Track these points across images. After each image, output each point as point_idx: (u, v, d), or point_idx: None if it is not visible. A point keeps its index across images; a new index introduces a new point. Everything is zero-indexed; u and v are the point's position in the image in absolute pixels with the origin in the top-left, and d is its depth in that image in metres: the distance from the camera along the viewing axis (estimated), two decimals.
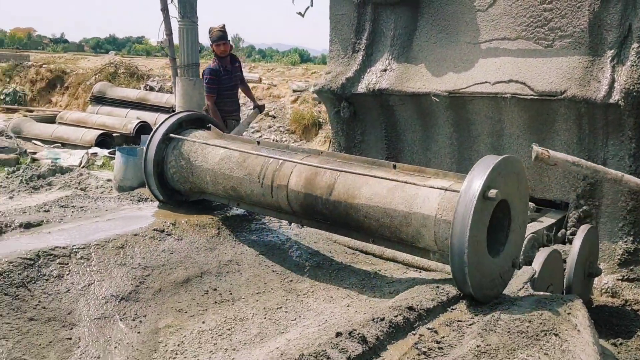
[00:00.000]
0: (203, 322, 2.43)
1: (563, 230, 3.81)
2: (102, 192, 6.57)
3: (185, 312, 2.50)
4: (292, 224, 3.55)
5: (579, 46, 3.86)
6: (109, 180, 7.04)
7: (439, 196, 2.30)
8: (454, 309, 2.25)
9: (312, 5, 5.30)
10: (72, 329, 2.25)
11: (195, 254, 2.90)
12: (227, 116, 5.74)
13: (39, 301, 2.32)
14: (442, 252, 2.29)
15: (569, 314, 2.15)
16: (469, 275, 2.12)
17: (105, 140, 10.07)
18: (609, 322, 3.50)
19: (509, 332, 1.95)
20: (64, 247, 2.58)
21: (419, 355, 1.85)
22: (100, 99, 12.25)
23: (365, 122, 5.03)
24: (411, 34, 4.81)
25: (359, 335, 1.85)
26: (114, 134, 10.33)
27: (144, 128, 10.64)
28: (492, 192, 2.09)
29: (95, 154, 8.87)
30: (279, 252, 3.16)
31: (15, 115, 13.68)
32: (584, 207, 3.92)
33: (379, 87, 4.73)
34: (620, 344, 3.28)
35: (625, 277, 3.80)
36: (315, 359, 1.70)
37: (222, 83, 5.56)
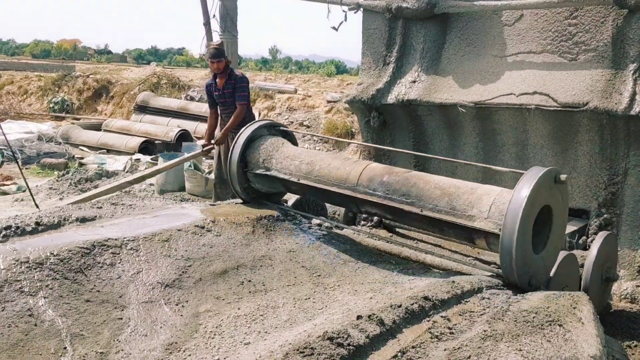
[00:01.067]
0: (238, 309, 2.68)
1: (584, 238, 3.92)
2: (145, 195, 6.97)
3: (223, 300, 2.75)
4: (324, 224, 3.86)
5: (602, 60, 3.99)
6: (151, 184, 7.44)
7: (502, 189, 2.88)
8: (467, 302, 2.44)
9: (345, 20, 5.55)
10: (123, 310, 2.53)
11: (232, 249, 3.16)
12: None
13: (94, 285, 2.62)
14: (492, 219, 2.67)
15: (574, 307, 2.31)
16: (515, 246, 2.53)
17: (148, 147, 10.55)
18: (627, 326, 3.59)
19: (515, 320, 2.13)
20: (116, 239, 2.89)
21: (431, 338, 2.05)
22: (143, 108, 12.81)
23: (395, 132, 5.24)
24: (440, 47, 5.00)
25: (378, 318, 2.07)
26: (156, 141, 10.81)
27: (184, 136, 11.12)
28: (563, 176, 2.65)
29: (138, 159, 9.33)
30: (308, 250, 3.40)
31: (63, 122, 14.44)
32: (605, 215, 4.02)
33: (407, 97, 4.94)
34: (635, 346, 3.37)
35: None
36: (337, 337, 1.92)
37: (216, 98, 5.63)
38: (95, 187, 7.20)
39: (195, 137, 11.50)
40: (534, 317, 2.16)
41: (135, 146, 10.35)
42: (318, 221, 4.14)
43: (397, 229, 4.37)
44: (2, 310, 2.31)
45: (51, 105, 16.22)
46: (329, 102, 12.16)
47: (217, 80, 5.53)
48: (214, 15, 6.74)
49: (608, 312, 3.45)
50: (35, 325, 2.31)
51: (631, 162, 3.90)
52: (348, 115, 11.19)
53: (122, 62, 31.94)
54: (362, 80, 5.46)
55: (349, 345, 1.90)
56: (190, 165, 6.60)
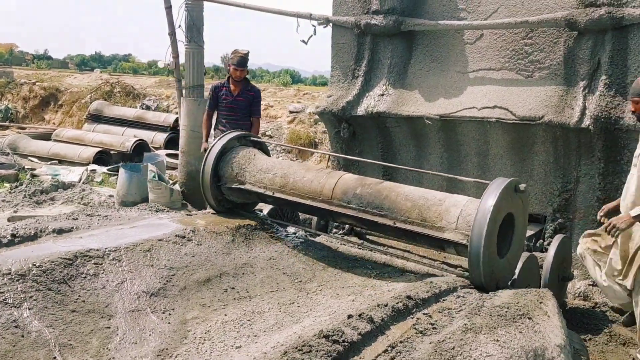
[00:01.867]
0: (225, 315, 2.73)
1: (541, 241, 4.19)
2: (106, 207, 6.83)
3: (209, 307, 2.80)
4: (299, 232, 3.96)
5: (555, 77, 4.30)
6: (110, 195, 7.30)
7: (470, 198, 3.10)
8: (445, 300, 2.60)
9: (315, 34, 5.71)
10: (110, 319, 2.54)
11: (214, 258, 3.21)
12: None
13: (79, 295, 2.61)
14: (460, 229, 2.87)
15: (540, 302, 2.51)
16: (482, 252, 2.74)
17: (103, 157, 10.30)
18: (581, 321, 3.87)
19: (490, 315, 2.30)
20: (97, 249, 2.89)
21: (416, 333, 2.18)
22: (97, 117, 12.51)
23: (364, 142, 5.41)
24: (406, 62, 5.23)
25: (367, 316, 2.19)
26: (112, 152, 10.58)
27: (141, 146, 10.93)
28: (522, 186, 2.87)
29: (94, 170, 9.12)
30: (287, 257, 3.48)
31: (7, 132, 13.88)
32: (560, 220, 4.32)
33: (377, 110, 5.12)
34: (590, 339, 3.65)
35: (595, 283, 4.17)
36: (332, 334, 2.02)
37: (221, 102, 5.59)
38: (52, 199, 7.02)
39: (153, 147, 11.34)
40: (506, 312, 2.35)
41: (89, 156, 10.08)
42: (293, 229, 4.25)
43: (368, 236, 4.50)
44: None
45: None
46: (291, 112, 12.29)
47: (231, 86, 5.54)
48: (180, 25, 6.74)
49: (564, 309, 3.69)
50: (22, 336, 2.30)
51: (582, 171, 4.21)
52: (311, 126, 11.35)
53: (64, 68, 30.82)
54: (332, 92, 5.62)
55: (343, 341, 2.01)
56: (154, 176, 6.54)
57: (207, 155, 3.95)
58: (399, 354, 2.01)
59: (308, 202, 3.58)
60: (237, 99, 5.55)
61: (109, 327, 2.49)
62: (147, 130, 11.96)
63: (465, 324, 2.17)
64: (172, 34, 6.99)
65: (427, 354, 1.98)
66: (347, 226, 4.70)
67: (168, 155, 9.68)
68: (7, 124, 15.09)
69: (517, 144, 4.51)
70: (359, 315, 2.19)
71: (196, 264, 3.10)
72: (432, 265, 3.57)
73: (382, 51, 5.37)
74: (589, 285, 4.24)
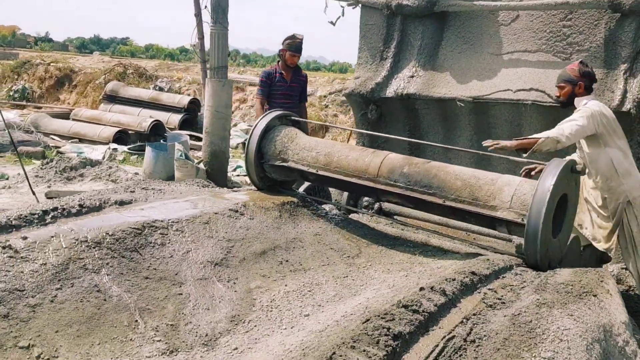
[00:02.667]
0: (286, 285, 2.83)
1: None
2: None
3: (269, 277, 2.89)
4: (333, 211, 4.05)
5: (594, 60, 4.34)
6: (136, 173, 7.40)
7: (521, 178, 3.20)
8: (504, 277, 2.68)
9: (343, 15, 5.74)
10: (180, 286, 2.63)
11: (266, 231, 3.30)
12: None
13: (150, 263, 2.70)
14: (514, 209, 2.86)
15: (601, 281, 2.60)
16: (540, 231, 2.77)
17: (122, 136, 10.39)
18: None
19: (557, 291, 2.39)
20: (162, 220, 2.97)
21: (487, 307, 2.27)
22: (112, 98, 12.56)
23: (390, 125, 5.47)
24: (437, 44, 5.27)
25: (440, 289, 2.28)
26: (129, 132, 10.66)
27: (157, 127, 11.01)
28: (579, 167, 2.96)
29: (115, 149, 9.20)
30: (332, 233, 3.57)
31: (24, 111, 13.95)
32: None
33: (406, 92, 5.17)
34: None
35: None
36: (412, 305, 2.10)
37: (275, 88, 5.59)
38: (81, 175, 7.11)
39: (168, 127, 11.41)
40: (571, 289, 2.43)
41: (109, 136, 10.17)
42: (328, 208, 4.34)
43: (395, 216, 4.55)
44: (72, 287, 2.38)
45: (11, 94, 15.59)
46: None
47: (284, 72, 5.58)
48: (206, 6, 6.76)
49: None
50: (105, 300, 2.39)
51: None
52: (322, 109, 11.39)
53: (64, 51, 30.66)
54: (359, 74, 5.65)
55: (423, 311, 2.10)
56: (181, 155, 6.62)
57: (251, 134, 4.02)
58: (475, 325, 2.10)
59: (354, 180, 3.64)
60: (291, 85, 5.60)
61: (181, 294, 2.58)
62: (162, 112, 12.04)
63: (537, 299, 2.25)
64: (198, 14, 7.01)
65: (505, 327, 2.07)
66: (376, 206, 4.79)
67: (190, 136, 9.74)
68: (24, 103, 15.15)
69: (551, 126, 4.53)
70: (431, 288, 2.27)
71: (251, 236, 3.18)
72: (477, 245, 3.67)
73: (412, 32, 5.40)
74: (622, 268, 4.32)
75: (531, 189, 2.99)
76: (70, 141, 10.17)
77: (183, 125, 11.57)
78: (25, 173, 5.37)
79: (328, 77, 18.51)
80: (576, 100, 3.64)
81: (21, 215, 2.81)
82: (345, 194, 4.53)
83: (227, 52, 7.04)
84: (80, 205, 3.02)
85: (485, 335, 2.03)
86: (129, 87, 13.09)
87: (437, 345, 1.96)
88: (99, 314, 2.32)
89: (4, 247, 2.45)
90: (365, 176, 3.59)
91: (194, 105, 12.05)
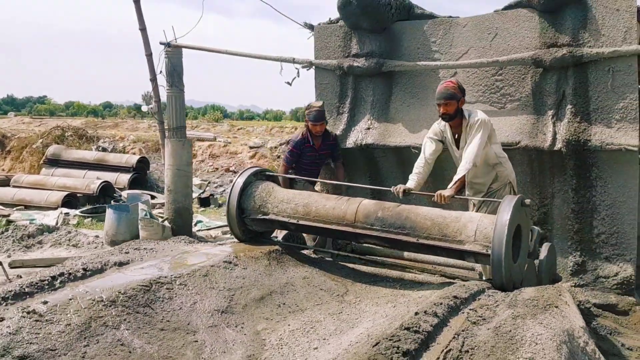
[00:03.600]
0: (289, 325, 3.09)
1: None
2: (95, 247, 6.91)
3: (272, 319, 3.15)
4: (319, 255, 4.37)
5: (525, 107, 5.01)
6: (97, 236, 7.37)
7: (479, 214, 3.63)
8: (479, 299, 3.09)
9: (298, 76, 6.20)
10: (194, 334, 2.84)
11: (261, 279, 3.57)
12: None
13: (162, 316, 2.90)
14: (479, 242, 3.30)
15: (559, 295, 3.05)
16: (504, 259, 3.24)
17: (70, 200, 10.24)
18: None
19: (526, 306, 2.81)
20: (165, 277, 3.19)
21: (472, 323, 2.65)
22: (54, 162, 12.34)
23: (353, 172, 5.91)
24: (388, 99, 5.82)
25: (432, 312, 2.64)
26: (78, 194, 10.53)
27: (105, 188, 10.94)
28: (527, 201, 3.45)
29: (67, 213, 9.07)
30: (318, 276, 3.88)
31: None
32: (541, 231, 4.96)
33: (365, 142, 5.65)
34: None
35: (577, 284, 4.81)
36: (412, 326, 2.45)
37: (304, 157, 5.53)
38: (39, 242, 7.02)
39: (117, 187, 11.35)
40: (537, 302, 2.87)
41: (57, 200, 10.00)
42: (306, 252, 4.66)
43: (366, 255, 4.92)
44: (97, 343, 2.55)
45: None
46: (251, 147, 12.69)
47: (314, 141, 5.46)
48: (161, 71, 7.03)
49: None
50: (130, 352, 2.57)
51: (556, 187, 4.89)
52: (274, 160, 11.77)
53: None
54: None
55: (423, 331, 2.44)
56: (145, 214, 6.72)
57: (231, 191, 4.32)
58: (466, 339, 2.47)
59: (333, 227, 4.01)
60: (320, 154, 5.54)
61: (197, 341, 2.79)
62: (109, 172, 11.95)
63: (512, 313, 2.67)
64: (154, 79, 7.29)
65: (490, 337, 2.45)
66: (348, 247, 5.16)
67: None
68: None
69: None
70: (425, 312, 2.63)
71: (248, 284, 3.44)
72: (440, 275, 4.09)
73: (364, 90, 5.94)
74: (571, 286, 4.87)
75: (491, 223, 3.46)
76: (15, 209, 9.89)
77: (132, 184, 11.54)
78: None
79: (266, 126, 19.06)
80: (464, 111, 4.24)
81: (32, 282, 2.95)
82: (329, 242, 4.90)
83: (184, 112, 7.32)
84: (84, 269, 3.19)
85: (475, 346, 2.40)
86: (71, 150, 12.92)
87: (438, 358, 2.30)
88: None
89: (28, 312, 2.59)
90: (344, 222, 3.96)
91: (142, 164, 12.08)
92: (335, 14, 6.06)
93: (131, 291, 2.93)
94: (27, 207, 10.05)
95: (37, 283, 2.94)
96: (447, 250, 3.60)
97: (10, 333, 2.45)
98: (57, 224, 8.43)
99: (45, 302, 2.69)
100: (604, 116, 4.58)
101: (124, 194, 8.65)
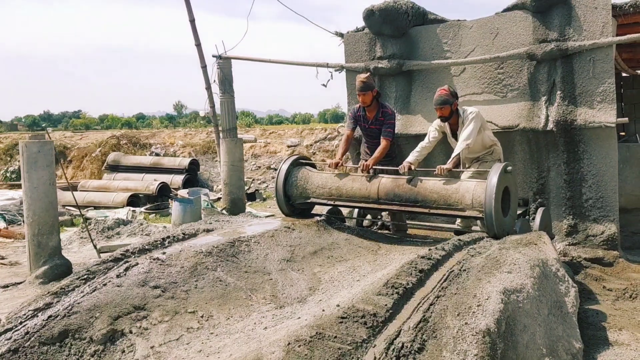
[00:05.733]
0: (337, 269, 4.15)
1: (527, 216, 5.73)
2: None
3: (323, 266, 4.21)
4: (353, 224, 5.42)
5: (523, 95, 5.94)
6: (164, 226, 8.61)
7: (474, 182, 4.31)
8: (479, 242, 4.08)
9: (332, 79, 7.28)
10: (269, 275, 3.93)
11: (313, 239, 4.63)
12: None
13: (245, 263, 3.99)
14: (475, 207, 4.21)
15: (539, 237, 4.02)
16: (494, 218, 4.09)
17: (133, 200, 11.58)
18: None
19: (511, 243, 3.79)
20: (244, 236, 4.29)
21: (470, 256, 3.65)
22: (115, 167, 13.77)
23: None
24: (408, 94, 6.83)
25: (441, 247, 3.66)
26: (139, 195, 11.87)
27: (163, 188, 12.26)
28: (509, 168, 4.25)
29: (134, 210, 10.38)
30: (355, 238, 4.92)
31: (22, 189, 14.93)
32: (539, 200, 5.88)
33: None
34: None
35: (570, 243, 5.71)
36: (426, 256, 3.46)
37: (360, 126, 5.64)
38: (117, 233, 8.29)
39: (172, 187, 12.66)
40: (519, 241, 3.84)
41: (123, 200, 11.36)
42: (346, 223, 5.71)
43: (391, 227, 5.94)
44: (204, 279, 3.66)
45: (7, 175, 16.60)
46: (289, 146, 13.83)
47: (367, 112, 5.49)
48: (215, 80, 8.21)
49: None
50: (226, 285, 3.67)
51: (551, 162, 5.80)
52: (310, 156, 12.86)
53: (14, 130, 30.51)
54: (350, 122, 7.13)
55: (435, 259, 3.46)
56: (207, 204, 7.90)
57: (277, 181, 5.32)
58: (464, 263, 3.47)
59: (361, 204, 5.03)
60: (370, 127, 5.55)
61: (271, 279, 3.87)
62: (164, 174, 13.29)
63: (500, 247, 3.66)
64: (208, 88, 8.46)
65: (482, 262, 3.45)
66: (379, 222, 6.18)
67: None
68: (19, 182, 16.12)
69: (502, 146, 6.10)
70: (435, 248, 3.66)
71: (304, 243, 4.52)
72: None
73: (388, 87, 6.95)
74: (566, 245, 5.78)
75: (482, 191, 4.37)
76: (86, 210, 11.28)
77: (185, 184, 12.84)
78: (90, 235, 6.59)
79: (296, 129, 20.20)
80: (459, 110, 5.07)
81: (149, 242, 4.09)
82: (355, 211, 5.93)
83: (235, 115, 8.48)
84: (183, 234, 4.32)
85: (470, 267, 3.40)
86: (129, 156, 14.34)
87: (444, 274, 3.31)
88: (226, 293, 3.59)
89: (153, 259, 3.72)
90: (370, 200, 4.94)
91: (194, 166, 13.37)
92: (354, 14, 7.18)
93: (221, 246, 4.04)
94: (96, 207, 11.44)
95: (152, 242, 4.08)
96: (452, 216, 4.58)
97: (145, 272, 3.58)
98: (126, 218, 9.73)
99: (164, 253, 3.82)
100: (587, 99, 5.47)
101: (184, 191, 9.87)
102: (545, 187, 5.94)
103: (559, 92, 5.63)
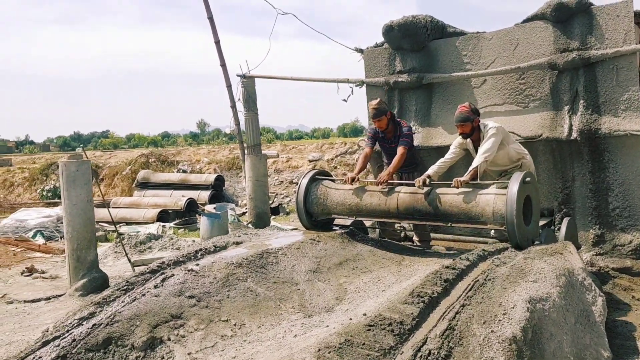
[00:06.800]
0: (362, 280, 4.24)
1: (553, 227, 5.73)
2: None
3: (349, 276, 4.31)
4: (376, 235, 5.50)
5: (545, 105, 5.97)
6: (193, 240, 8.82)
7: (494, 193, 4.36)
8: (503, 252, 4.12)
9: (352, 94, 7.41)
10: (297, 285, 4.04)
11: (337, 251, 4.74)
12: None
13: (274, 274, 4.12)
14: (496, 220, 4.25)
15: (565, 247, 4.04)
16: (516, 229, 4.11)
17: (163, 216, 11.86)
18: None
19: (537, 253, 3.83)
20: (272, 248, 4.42)
21: (495, 265, 3.70)
22: (144, 184, 14.13)
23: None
24: (428, 107, 6.91)
25: (466, 257, 3.72)
26: (169, 210, 12.15)
27: (191, 204, 12.53)
28: (528, 179, 4.30)
29: (164, 226, 10.64)
30: (379, 250, 5.00)
31: (58, 207, 15.43)
32: (564, 210, 5.88)
33: None
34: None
35: (597, 253, 5.68)
36: (451, 266, 3.54)
37: (382, 147, 5.88)
38: (149, 248, 8.52)
39: (199, 203, 12.92)
40: (545, 251, 3.88)
41: (153, 216, 11.64)
42: (368, 236, 5.79)
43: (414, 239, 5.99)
44: (235, 289, 3.80)
45: (43, 193, 17.14)
46: (310, 161, 14.01)
47: (386, 133, 5.69)
48: (239, 99, 8.43)
49: None
50: (257, 295, 3.80)
51: (576, 171, 5.81)
52: (332, 170, 13.00)
53: (46, 151, 31.28)
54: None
55: (458, 269, 3.53)
56: (234, 219, 8.07)
57: (297, 197, 5.41)
58: (490, 272, 3.53)
59: (381, 219, 5.12)
60: (391, 146, 5.73)
61: (299, 289, 3.99)
62: (190, 190, 13.58)
63: (525, 256, 3.71)
64: (233, 106, 8.69)
65: (507, 271, 3.50)
66: (402, 235, 6.23)
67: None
68: (56, 200, 16.65)
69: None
70: (460, 258, 3.72)
71: (329, 254, 4.63)
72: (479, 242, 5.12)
73: (408, 100, 7.05)
74: (593, 255, 5.75)
75: (502, 204, 4.39)
76: (119, 225, 11.59)
77: (212, 199, 13.10)
78: (125, 250, 6.82)
79: (316, 144, 20.42)
80: (480, 125, 5.06)
81: (183, 254, 4.26)
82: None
83: (259, 132, 8.67)
84: (214, 246, 4.48)
85: (496, 277, 3.46)
86: (157, 173, 14.70)
87: (469, 284, 3.38)
88: (256, 303, 3.72)
89: (188, 270, 3.87)
90: (390, 215, 5.01)
91: (219, 182, 13.63)
92: (371, 28, 7.37)
93: (251, 257, 4.18)
94: (128, 223, 11.75)
95: (186, 255, 4.24)
96: (476, 228, 4.63)
97: (180, 282, 3.73)
98: (157, 233, 9.98)
99: (197, 265, 3.97)
100: (611, 107, 5.49)
101: (210, 207, 10.09)
102: (571, 196, 5.94)
103: (582, 101, 5.65)
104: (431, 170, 5.14)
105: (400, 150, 5.50)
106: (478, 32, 6.71)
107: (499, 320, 2.84)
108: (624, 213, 5.54)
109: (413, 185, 4.99)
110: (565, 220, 5.30)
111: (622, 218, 5.56)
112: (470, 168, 4.95)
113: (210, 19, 9.09)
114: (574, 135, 5.62)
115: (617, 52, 5.46)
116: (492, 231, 5.08)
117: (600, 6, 5.60)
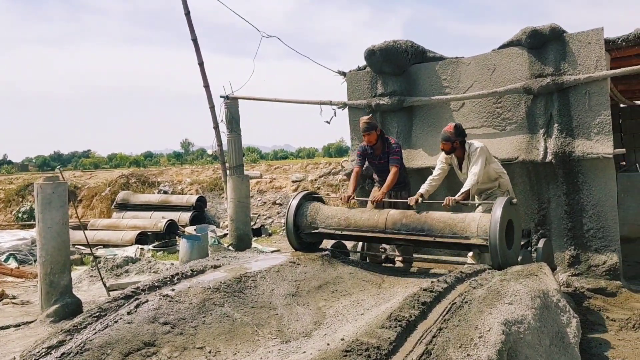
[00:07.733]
0: (341, 303, 4.22)
1: (529, 248, 5.79)
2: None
3: (328, 300, 4.28)
4: (356, 258, 5.50)
5: (521, 128, 6.08)
6: (172, 263, 8.70)
7: (480, 214, 4.44)
8: (481, 274, 4.14)
9: (335, 115, 7.48)
10: (275, 310, 4.00)
11: (318, 274, 4.71)
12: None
13: (251, 298, 4.08)
14: (480, 236, 4.30)
15: (540, 268, 4.08)
16: (498, 247, 4.18)
17: (142, 238, 11.70)
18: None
19: (512, 274, 3.86)
20: (250, 272, 4.38)
21: (472, 288, 3.72)
22: (123, 206, 13.95)
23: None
24: (409, 129, 6.99)
25: (444, 280, 3.73)
26: (148, 232, 11.99)
27: (171, 226, 12.39)
28: (514, 200, 4.36)
29: (142, 248, 10.49)
30: (360, 272, 4.99)
31: (33, 230, 15.15)
32: (541, 231, 5.95)
33: None
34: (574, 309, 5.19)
35: (573, 273, 5.75)
36: (428, 289, 3.54)
37: (371, 164, 5.95)
38: (126, 271, 8.38)
39: (180, 225, 12.78)
40: (521, 272, 3.91)
41: (131, 238, 11.48)
42: (350, 257, 5.80)
43: (396, 260, 6.02)
44: (211, 315, 3.74)
45: (19, 215, 16.82)
46: (294, 181, 14.00)
47: (375, 149, 5.79)
48: (222, 120, 8.44)
49: None
50: (233, 321, 3.75)
51: (551, 193, 5.90)
52: (316, 190, 13.00)
53: (25, 171, 30.90)
54: (354, 157, 7.30)
55: (436, 291, 3.53)
56: (215, 241, 8.00)
57: (288, 212, 5.51)
58: (466, 295, 3.54)
59: (369, 234, 5.15)
60: (380, 162, 5.85)
61: (277, 314, 3.94)
62: (172, 212, 13.44)
63: (501, 278, 3.73)
64: (216, 127, 8.69)
65: (483, 293, 3.52)
66: (383, 256, 6.25)
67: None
68: (32, 222, 16.35)
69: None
70: (438, 280, 3.73)
71: (309, 277, 4.60)
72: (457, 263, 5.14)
73: (389, 122, 7.13)
74: (569, 275, 5.82)
75: (488, 221, 4.50)
76: (95, 248, 11.40)
77: (193, 221, 12.97)
78: (100, 274, 6.70)
79: (301, 164, 20.49)
80: (465, 145, 5.24)
81: (158, 279, 4.19)
82: (359, 245, 6.02)
83: (242, 153, 8.66)
84: (191, 270, 4.42)
85: (472, 299, 3.47)
86: (137, 194, 14.53)
87: (446, 307, 3.38)
88: (233, 329, 3.66)
89: (163, 296, 3.81)
90: (377, 230, 5.09)
91: (201, 203, 13.53)
92: (360, 51, 7.36)
93: (228, 282, 4.13)
94: (105, 246, 11.56)
95: (162, 280, 4.18)
96: (457, 244, 4.68)
97: (154, 308, 3.67)
98: (135, 255, 9.83)
99: (173, 290, 3.91)
100: (584, 131, 5.61)
101: (191, 228, 10.00)
102: (547, 218, 6.01)
103: (556, 125, 5.77)
104: (423, 189, 5.26)
105: (393, 169, 5.64)
106: (457, 57, 6.85)
107: (475, 344, 2.84)
108: (597, 234, 5.63)
109: (407, 204, 5.14)
110: (542, 242, 5.37)
111: (596, 239, 5.64)
112: (462, 190, 5.05)
113: (195, 40, 9.14)
114: (549, 157, 5.72)
115: (589, 77, 5.61)
116: (469, 255, 5.15)
117: (572, 34, 5.76)
